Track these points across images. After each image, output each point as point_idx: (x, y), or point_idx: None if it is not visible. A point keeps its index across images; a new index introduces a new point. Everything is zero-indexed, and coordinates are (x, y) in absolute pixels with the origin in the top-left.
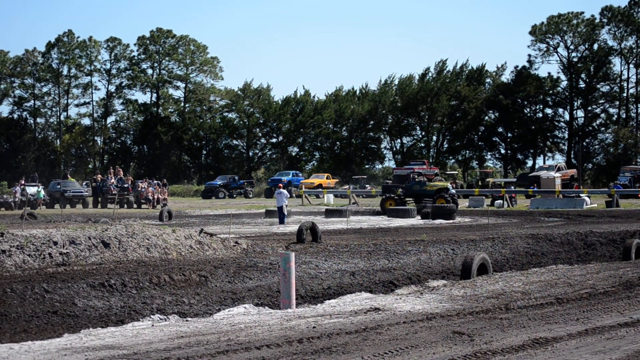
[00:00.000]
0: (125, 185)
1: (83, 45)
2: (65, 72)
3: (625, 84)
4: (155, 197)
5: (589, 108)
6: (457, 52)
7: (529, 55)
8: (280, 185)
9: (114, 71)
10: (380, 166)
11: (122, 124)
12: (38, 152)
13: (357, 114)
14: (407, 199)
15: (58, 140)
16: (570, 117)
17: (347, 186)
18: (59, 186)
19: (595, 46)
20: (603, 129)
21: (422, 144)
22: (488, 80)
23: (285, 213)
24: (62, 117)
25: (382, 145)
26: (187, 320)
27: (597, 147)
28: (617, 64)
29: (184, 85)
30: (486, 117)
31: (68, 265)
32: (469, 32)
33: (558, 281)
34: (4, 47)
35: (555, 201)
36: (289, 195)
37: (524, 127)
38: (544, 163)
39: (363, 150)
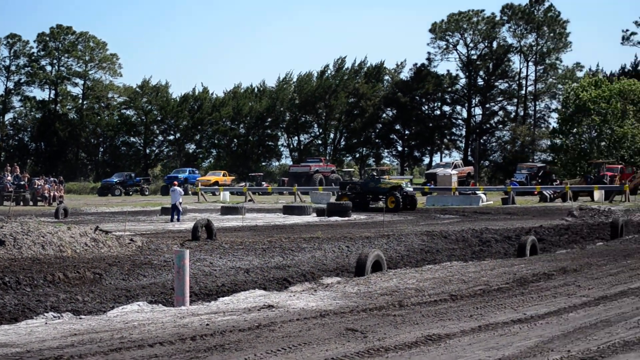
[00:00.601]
0: (22, 183)
1: None
2: None
3: (523, 82)
4: (52, 194)
5: (487, 105)
6: (356, 49)
7: (429, 53)
8: (175, 182)
9: (13, 68)
10: (277, 163)
11: (19, 121)
12: None
13: (255, 111)
14: (367, 196)
15: None
16: (468, 115)
17: (243, 183)
18: None
19: (495, 44)
20: (501, 126)
21: (319, 141)
22: (387, 77)
23: (180, 210)
24: None
25: (279, 143)
26: (80, 318)
27: (494, 144)
28: (516, 61)
29: (82, 82)
30: (384, 115)
31: None
32: (368, 30)
33: (452, 278)
34: None
35: (452, 198)
36: (183, 193)
37: (421, 124)
38: (441, 160)
39: (260, 147)
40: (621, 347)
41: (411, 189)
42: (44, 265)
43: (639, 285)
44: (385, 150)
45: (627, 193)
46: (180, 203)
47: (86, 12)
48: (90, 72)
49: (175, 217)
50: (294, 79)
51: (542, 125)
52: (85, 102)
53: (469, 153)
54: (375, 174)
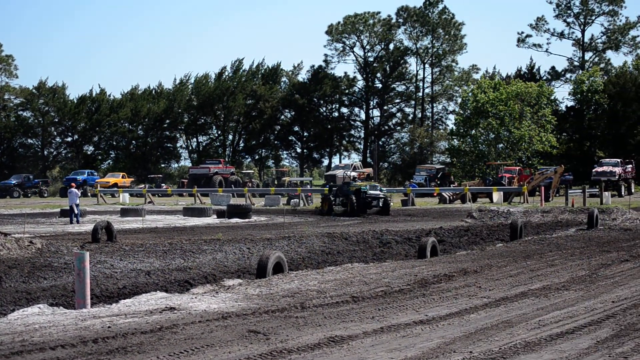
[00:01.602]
0: None
1: None
2: None
3: (420, 84)
4: None
5: (385, 107)
6: (254, 51)
7: (326, 55)
8: (73, 184)
9: None
10: (176, 165)
11: None
12: None
13: (153, 113)
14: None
15: None
16: (367, 117)
17: (142, 185)
18: None
19: (392, 46)
20: (399, 128)
21: (218, 143)
22: (284, 79)
23: (77, 212)
24: None
25: (178, 144)
26: None
27: (392, 146)
28: (412, 63)
29: None
30: (282, 116)
31: None
32: (265, 31)
33: (354, 279)
34: None
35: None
36: (79, 194)
37: (320, 126)
38: (340, 162)
39: (159, 149)
40: (522, 347)
41: (378, 192)
42: None
43: (539, 286)
44: (285, 152)
45: (526, 194)
46: (77, 205)
47: None
48: None
49: (75, 218)
50: (192, 81)
51: (440, 127)
52: None
53: (367, 155)
54: (276, 176)
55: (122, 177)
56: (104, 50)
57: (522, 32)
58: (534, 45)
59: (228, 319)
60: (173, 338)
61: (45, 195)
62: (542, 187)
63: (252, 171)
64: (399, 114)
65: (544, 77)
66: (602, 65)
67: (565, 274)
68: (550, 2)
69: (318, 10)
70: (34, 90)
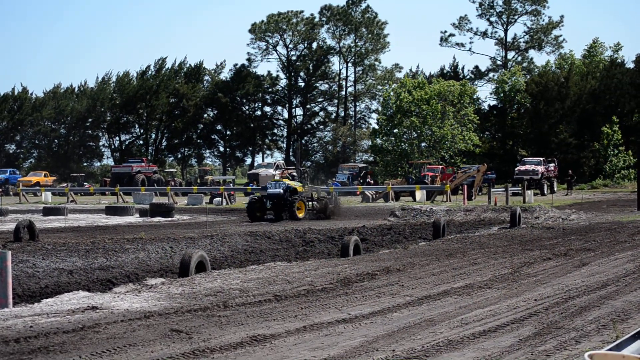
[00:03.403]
0: None
1: None
2: None
3: (344, 83)
4: None
5: (308, 106)
6: (176, 49)
7: (249, 54)
8: None
9: None
10: (98, 164)
11: None
12: None
13: (76, 112)
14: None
15: None
16: (289, 115)
17: (65, 184)
18: None
19: (315, 45)
20: (322, 127)
21: (141, 142)
22: (207, 78)
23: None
24: None
25: (101, 143)
26: None
27: (315, 145)
28: (335, 62)
29: None
30: (205, 115)
31: None
32: (188, 30)
33: (276, 278)
34: None
35: None
36: (2, 193)
37: (242, 124)
38: (263, 161)
39: (81, 147)
40: (445, 346)
41: (308, 194)
42: None
43: (462, 285)
44: (208, 151)
45: (449, 193)
46: None
47: None
48: None
49: None
50: (114, 79)
51: (363, 125)
52: None
53: (290, 153)
54: (199, 174)
55: (45, 176)
56: (26, 48)
57: (446, 31)
58: (457, 44)
59: (150, 318)
60: (95, 337)
61: None
62: (465, 186)
63: (175, 170)
64: (322, 113)
65: (468, 77)
66: (524, 65)
67: (488, 272)
68: (473, 2)
69: (241, 8)
70: None
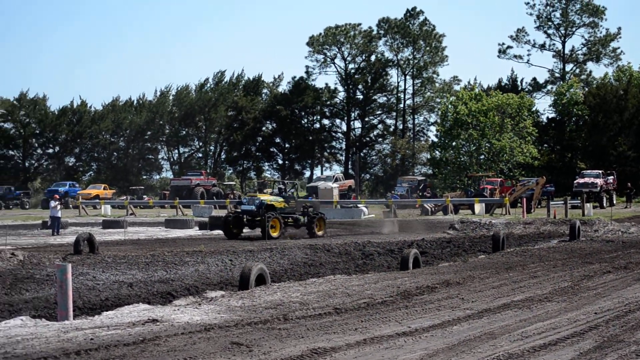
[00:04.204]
0: None
1: None
2: None
3: (402, 95)
4: None
5: (366, 119)
6: (234, 62)
7: (307, 67)
8: (56, 196)
9: None
10: (157, 177)
11: None
12: None
13: (135, 124)
14: None
15: None
16: (348, 128)
17: (124, 197)
18: None
19: (373, 57)
20: (380, 139)
21: (200, 155)
22: (265, 90)
23: (59, 224)
24: None
25: (160, 156)
26: None
27: (374, 157)
28: (394, 75)
29: None
30: (264, 128)
31: None
32: (245, 43)
33: (336, 291)
34: None
35: (333, 211)
36: (62, 206)
37: (301, 137)
38: (322, 173)
39: (140, 160)
40: (505, 359)
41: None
42: None
43: (522, 298)
44: (266, 163)
45: (508, 206)
46: (58, 217)
47: None
48: None
49: (56, 230)
50: (173, 92)
51: (422, 138)
52: None
53: (349, 166)
54: (258, 187)
55: (104, 189)
56: (85, 62)
57: (503, 44)
58: (515, 56)
59: (211, 331)
60: (156, 350)
61: (27, 207)
62: (524, 199)
63: (234, 183)
64: (380, 126)
65: (526, 89)
66: (583, 77)
67: (548, 285)
68: (531, 14)
69: (299, 21)
70: (14, 102)
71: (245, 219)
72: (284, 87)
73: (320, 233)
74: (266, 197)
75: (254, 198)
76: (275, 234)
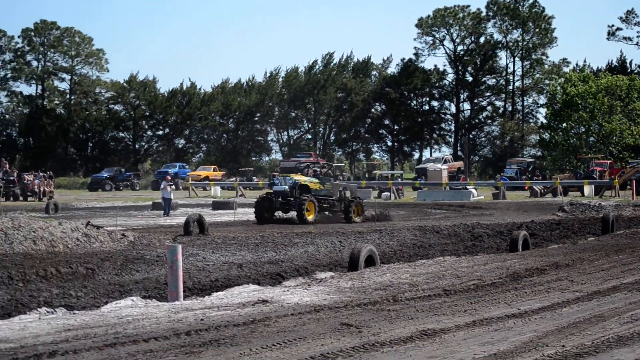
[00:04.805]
0: (11, 178)
1: None
2: None
3: (511, 77)
4: (42, 189)
5: (475, 101)
6: (342, 44)
7: (415, 48)
8: (168, 177)
9: None
10: (267, 158)
11: (7, 116)
12: None
13: (244, 106)
14: None
15: None
16: (457, 110)
17: (234, 178)
18: None
19: (482, 39)
20: (489, 121)
21: (309, 136)
22: (374, 72)
23: (170, 205)
24: None
25: (269, 138)
26: (74, 313)
27: (483, 139)
28: (503, 57)
29: (69, 77)
30: (373, 109)
31: None
32: (354, 25)
33: (445, 273)
34: None
35: (443, 193)
36: (174, 187)
37: (410, 119)
38: (431, 155)
39: (250, 142)
40: (615, 342)
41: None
42: (35, 261)
43: (631, 280)
44: (375, 145)
45: (617, 188)
46: (170, 199)
47: (71, 8)
48: (76, 68)
49: (167, 211)
50: (282, 74)
51: (531, 120)
52: (72, 98)
53: (458, 148)
54: (367, 169)
55: (214, 170)
56: (194, 44)
57: (613, 25)
58: (625, 38)
59: (320, 312)
60: (266, 331)
61: (137, 188)
62: (634, 181)
63: (343, 164)
64: (489, 107)
65: (635, 70)
66: None
67: None
68: None
69: (408, 3)
70: (124, 84)
71: (277, 202)
72: (392, 69)
73: (357, 219)
74: (300, 177)
75: (286, 178)
76: (310, 217)
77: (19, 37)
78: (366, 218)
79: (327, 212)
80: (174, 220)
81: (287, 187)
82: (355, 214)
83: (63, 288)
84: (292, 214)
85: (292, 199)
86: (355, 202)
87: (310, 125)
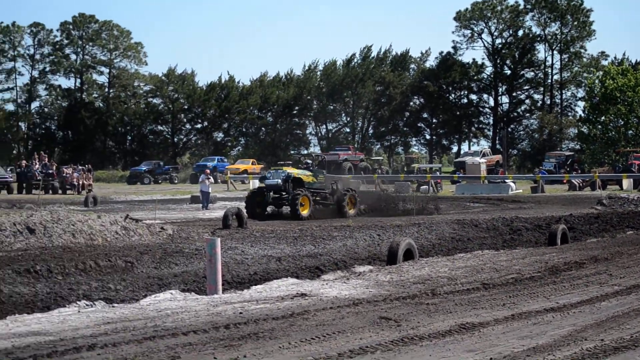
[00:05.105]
0: (50, 171)
1: (6, 30)
2: None
3: (549, 70)
4: (80, 182)
5: (514, 94)
6: (380, 38)
7: (454, 41)
8: (207, 171)
9: (37, 56)
10: (305, 152)
11: (46, 109)
12: None
13: (282, 100)
14: None
15: None
16: (495, 103)
17: None
18: None
19: (520, 32)
20: (528, 114)
21: (348, 130)
22: (412, 66)
23: (208, 198)
24: None
25: (308, 131)
26: (113, 306)
27: (522, 132)
28: (541, 50)
29: (107, 70)
30: (411, 103)
31: None
32: (392, 18)
33: (484, 266)
34: None
35: (481, 187)
36: (213, 181)
37: (449, 112)
38: (469, 149)
39: (288, 135)
40: None
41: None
42: (75, 254)
43: None
44: (414, 139)
45: None
46: (208, 192)
47: (109, 1)
48: (115, 61)
49: (205, 204)
50: (320, 68)
51: (569, 113)
52: (111, 91)
53: (497, 141)
54: (406, 162)
55: (252, 164)
56: (232, 38)
57: None
58: None
59: (359, 305)
60: (304, 324)
61: (176, 181)
62: None
63: (382, 158)
64: (527, 101)
65: None
66: None
67: None
68: None
69: None
70: (163, 77)
71: (270, 196)
72: (431, 62)
73: (351, 212)
74: (293, 170)
75: (279, 171)
76: (305, 212)
77: (57, 30)
78: (360, 212)
79: (320, 206)
80: (213, 213)
81: (279, 180)
82: (349, 206)
83: (102, 281)
84: (286, 209)
85: (285, 193)
86: (349, 194)
87: (348, 119)
